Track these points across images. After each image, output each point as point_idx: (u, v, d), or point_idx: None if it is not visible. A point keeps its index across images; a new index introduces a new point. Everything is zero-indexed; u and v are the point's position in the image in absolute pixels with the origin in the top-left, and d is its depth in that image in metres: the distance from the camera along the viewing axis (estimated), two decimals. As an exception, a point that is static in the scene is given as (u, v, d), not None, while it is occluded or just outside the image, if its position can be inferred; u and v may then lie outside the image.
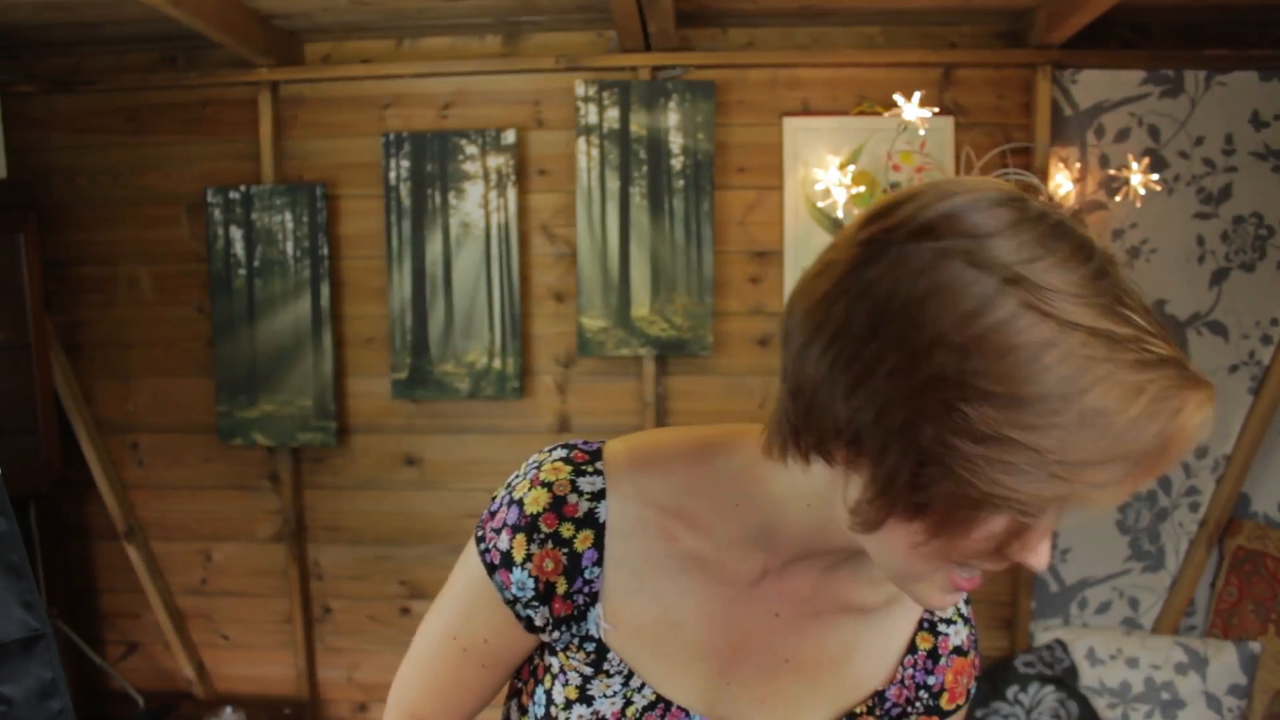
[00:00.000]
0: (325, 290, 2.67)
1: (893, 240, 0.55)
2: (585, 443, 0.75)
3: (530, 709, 0.77)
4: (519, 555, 0.70)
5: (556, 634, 0.73)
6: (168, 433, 2.83)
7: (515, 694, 0.81)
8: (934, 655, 0.78)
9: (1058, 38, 2.39)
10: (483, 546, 0.73)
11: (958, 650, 0.79)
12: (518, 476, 0.74)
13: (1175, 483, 2.63)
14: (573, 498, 0.71)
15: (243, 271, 2.68)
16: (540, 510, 0.71)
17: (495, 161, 2.59)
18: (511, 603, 0.72)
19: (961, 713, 0.82)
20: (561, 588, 0.71)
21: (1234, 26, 2.53)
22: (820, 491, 0.64)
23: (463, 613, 0.75)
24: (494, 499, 0.74)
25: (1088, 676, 2.57)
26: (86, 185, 2.76)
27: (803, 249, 2.57)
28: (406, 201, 2.63)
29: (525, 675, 0.79)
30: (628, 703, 0.73)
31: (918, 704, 0.79)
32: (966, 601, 0.82)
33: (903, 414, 0.54)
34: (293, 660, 2.88)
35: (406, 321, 2.67)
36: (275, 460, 2.79)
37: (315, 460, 2.80)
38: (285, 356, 2.69)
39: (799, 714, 0.76)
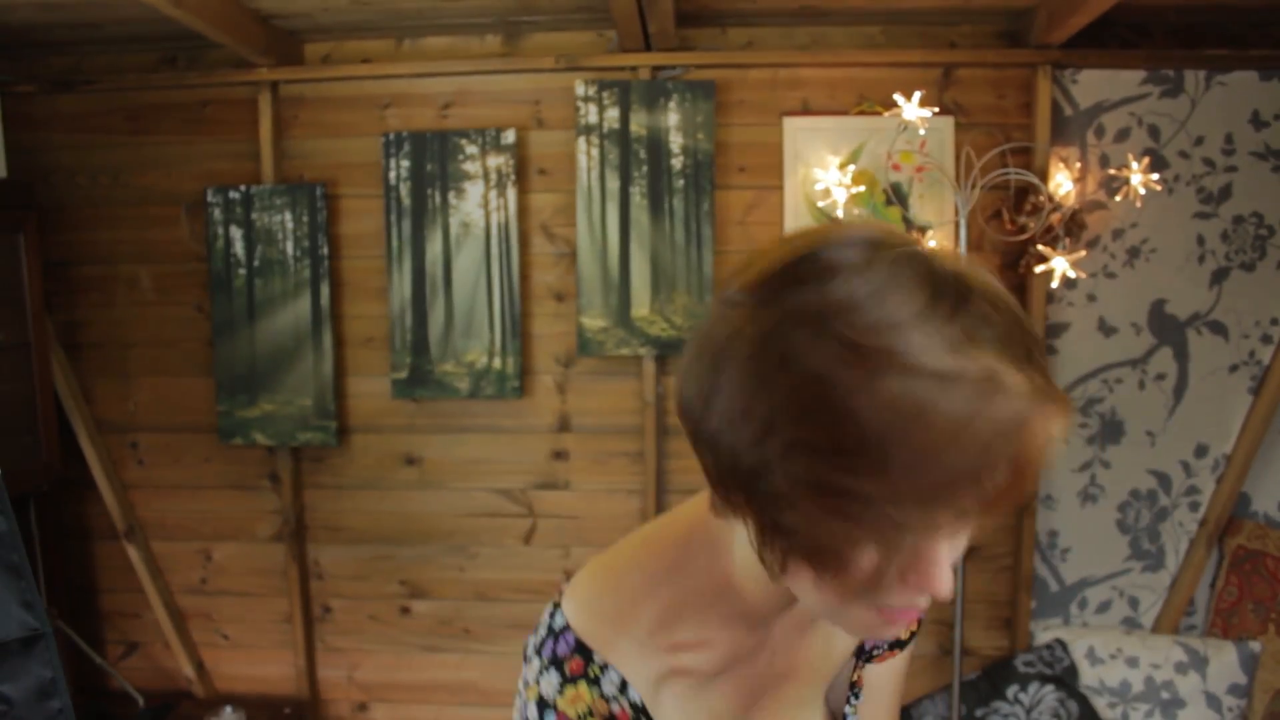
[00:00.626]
0: (325, 290, 2.67)
1: (739, 293, 0.58)
2: (553, 640, 0.71)
3: None
4: None
5: None
6: (168, 432, 2.83)
7: None
8: None
9: (1058, 37, 2.39)
10: None
11: None
12: None
13: (1175, 482, 2.63)
14: (615, 706, 0.70)
15: (243, 271, 2.68)
16: None
17: (495, 161, 2.60)
18: None
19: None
20: None
21: (1234, 26, 2.53)
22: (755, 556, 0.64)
23: None
24: None
25: (1088, 676, 2.57)
26: (86, 185, 2.77)
27: (803, 249, 2.57)
28: (406, 201, 2.63)
29: None
30: None
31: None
32: None
33: (750, 463, 0.55)
34: (293, 660, 2.88)
35: (406, 321, 2.67)
36: (275, 460, 2.79)
37: (315, 460, 2.80)
38: (285, 356, 2.69)
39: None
